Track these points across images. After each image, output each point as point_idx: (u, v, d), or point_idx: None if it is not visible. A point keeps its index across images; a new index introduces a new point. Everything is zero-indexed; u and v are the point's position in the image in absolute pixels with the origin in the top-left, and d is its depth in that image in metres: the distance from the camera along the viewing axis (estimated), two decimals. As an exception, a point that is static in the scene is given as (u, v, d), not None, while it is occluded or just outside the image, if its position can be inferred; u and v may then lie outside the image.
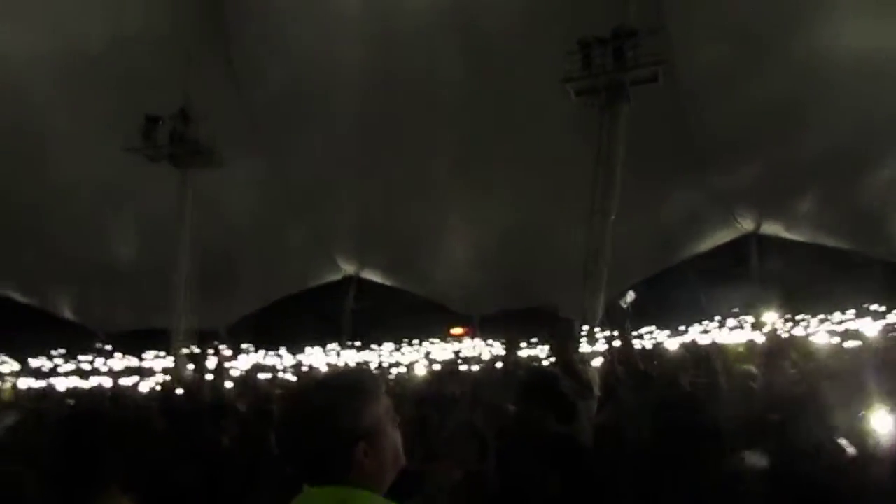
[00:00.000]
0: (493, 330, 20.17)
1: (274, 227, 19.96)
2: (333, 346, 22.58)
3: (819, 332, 15.56)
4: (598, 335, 11.80)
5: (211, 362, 7.01)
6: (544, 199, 17.30)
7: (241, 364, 19.73)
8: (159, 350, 19.41)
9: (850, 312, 17.84)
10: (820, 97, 14.26)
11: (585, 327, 13.23)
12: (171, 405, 6.12)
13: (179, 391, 7.41)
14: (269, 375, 15.12)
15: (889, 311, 17.54)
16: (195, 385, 6.53)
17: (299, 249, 21.57)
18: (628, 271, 17.91)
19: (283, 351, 22.02)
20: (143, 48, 15.45)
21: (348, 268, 22.98)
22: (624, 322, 4.85)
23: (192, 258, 16.23)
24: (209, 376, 6.62)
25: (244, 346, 21.96)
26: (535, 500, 2.76)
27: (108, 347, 23.39)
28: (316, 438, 1.44)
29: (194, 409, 5.20)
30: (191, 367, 16.27)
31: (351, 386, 1.51)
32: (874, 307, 17.65)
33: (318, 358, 21.50)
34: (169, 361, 17.35)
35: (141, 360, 20.99)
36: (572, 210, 14.76)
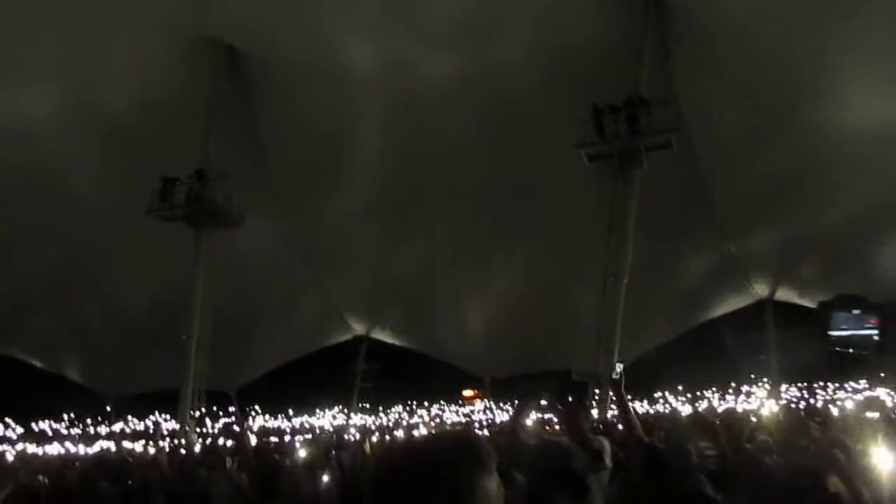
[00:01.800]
0: (505, 393, 19.87)
1: (287, 287, 20.03)
2: (340, 408, 22.30)
3: (836, 400, 15.19)
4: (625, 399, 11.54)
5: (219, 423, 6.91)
6: (558, 263, 17.32)
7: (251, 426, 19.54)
8: (166, 413, 19.22)
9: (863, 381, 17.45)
10: (832, 167, 14.35)
11: (598, 391, 13.03)
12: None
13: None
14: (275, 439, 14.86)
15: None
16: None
17: (311, 309, 21.56)
18: (641, 336, 17.72)
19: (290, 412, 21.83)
20: (163, 111, 15.85)
21: (359, 328, 22.87)
22: (619, 393, 4.73)
23: (204, 319, 16.17)
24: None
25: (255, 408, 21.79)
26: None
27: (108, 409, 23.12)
28: None
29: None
30: (197, 429, 16.18)
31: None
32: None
33: (326, 420, 21.22)
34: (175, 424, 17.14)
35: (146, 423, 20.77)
36: (586, 274, 14.73)
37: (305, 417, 21.85)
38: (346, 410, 22.65)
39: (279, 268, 19.40)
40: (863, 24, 10.78)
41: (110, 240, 17.71)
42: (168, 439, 15.56)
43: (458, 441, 1.28)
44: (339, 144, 16.98)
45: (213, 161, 16.13)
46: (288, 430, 18.95)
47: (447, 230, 17.44)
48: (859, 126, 13.31)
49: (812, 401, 18.59)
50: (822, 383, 19.17)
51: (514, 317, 18.92)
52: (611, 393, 4.96)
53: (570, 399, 4.47)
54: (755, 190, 15.78)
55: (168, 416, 18.76)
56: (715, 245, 17.90)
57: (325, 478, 5.05)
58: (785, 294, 19.56)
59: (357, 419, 21.76)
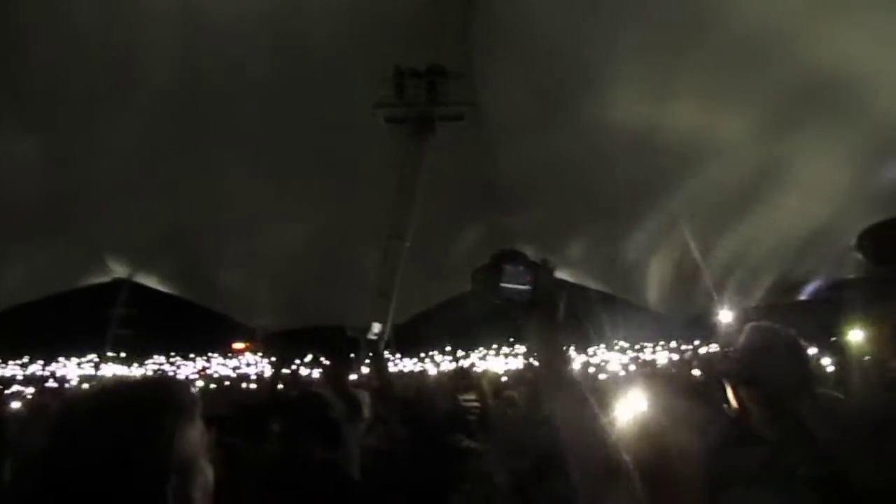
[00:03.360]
0: (278, 347, 19.52)
1: (39, 218, 17.38)
2: (92, 357, 20.17)
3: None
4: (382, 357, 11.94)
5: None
6: (342, 220, 17.27)
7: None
8: None
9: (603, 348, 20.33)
10: (596, 160, 16.00)
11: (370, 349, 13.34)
12: None
13: None
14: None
15: (631, 347, 20.35)
16: None
17: (65, 246, 18.98)
18: (417, 298, 18.47)
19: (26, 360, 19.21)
20: None
21: (121, 270, 20.69)
22: (378, 350, 4.98)
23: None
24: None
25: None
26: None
27: None
28: (106, 475, 1.00)
29: None
30: None
31: (161, 400, 1.11)
32: (622, 343, 20.47)
33: (70, 370, 19.04)
34: None
35: None
36: (369, 233, 14.90)
37: (44, 365, 19.38)
38: (98, 359, 20.55)
39: (32, 195, 16.75)
40: (636, 35, 12.04)
41: None
42: None
43: (156, 385, 1.22)
44: (116, 62, 14.97)
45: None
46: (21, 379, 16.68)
47: (229, 174, 16.37)
48: (623, 124, 14.96)
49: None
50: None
51: (292, 270, 18.54)
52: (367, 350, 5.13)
53: (336, 354, 4.50)
54: (530, 171, 17.10)
55: None
56: (491, 218, 19.16)
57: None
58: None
59: (110, 369, 19.87)
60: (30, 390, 14.44)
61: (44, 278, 19.96)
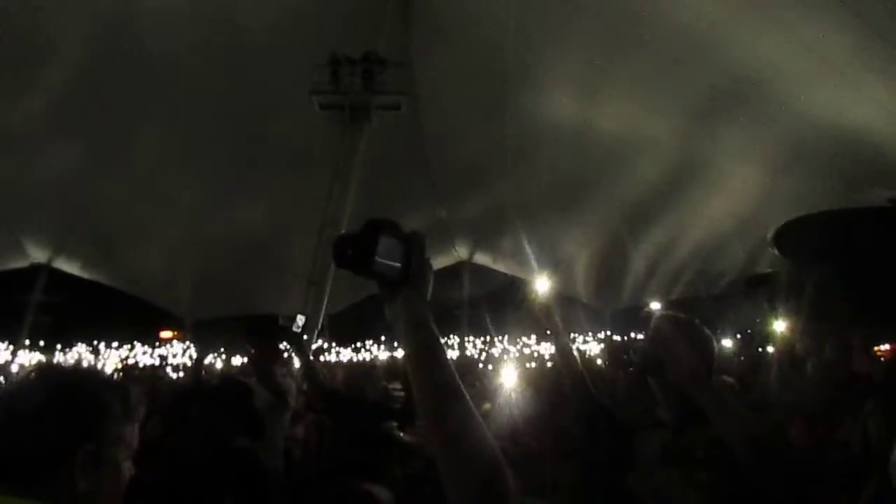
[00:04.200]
0: (206, 335, 19.06)
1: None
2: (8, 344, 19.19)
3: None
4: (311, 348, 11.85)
5: None
6: (276, 206, 16.99)
7: None
8: None
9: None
10: (531, 152, 16.29)
11: (305, 336, 13.17)
12: None
13: None
14: None
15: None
16: None
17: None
18: (352, 287, 18.38)
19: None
20: None
21: (39, 255, 19.68)
22: (300, 343, 5.02)
23: None
24: None
25: None
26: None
27: None
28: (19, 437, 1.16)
29: None
30: None
31: (75, 383, 1.27)
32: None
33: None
34: None
35: None
36: (303, 220, 14.72)
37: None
38: (13, 347, 19.53)
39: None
40: (572, 26, 12.25)
41: None
42: None
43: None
44: (35, 36, 14.15)
45: None
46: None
47: (154, 157, 15.81)
48: (556, 120, 15.26)
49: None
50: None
51: (223, 256, 18.12)
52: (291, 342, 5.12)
53: (263, 342, 4.47)
54: (467, 163, 17.27)
55: None
56: (428, 208, 19.24)
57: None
58: (482, 258, 22.11)
59: (26, 357, 18.95)
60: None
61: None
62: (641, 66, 11.90)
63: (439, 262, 22.44)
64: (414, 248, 1.43)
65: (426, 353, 1.26)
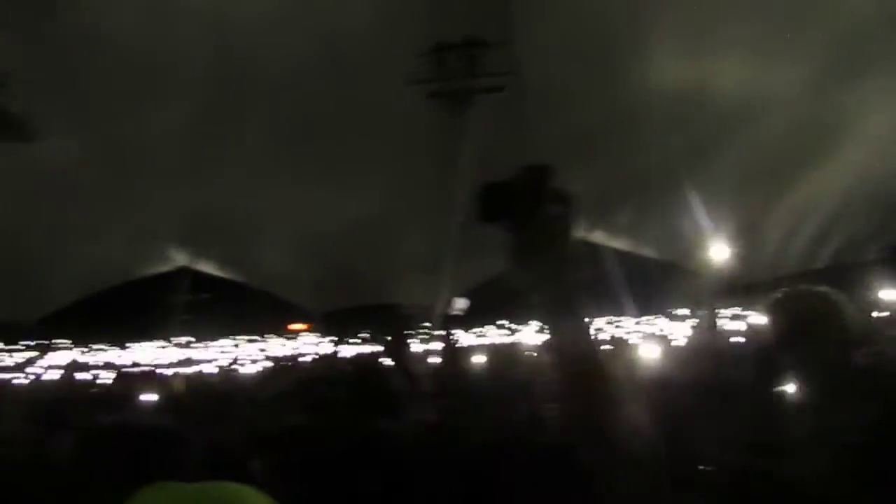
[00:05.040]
0: (334, 326, 19.92)
1: (96, 211, 18.19)
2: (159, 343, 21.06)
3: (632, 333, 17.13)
4: (436, 334, 12.06)
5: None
6: (391, 197, 17.40)
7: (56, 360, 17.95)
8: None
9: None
10: (645, 121, 15.59)
11: (428, 325, 13.48)
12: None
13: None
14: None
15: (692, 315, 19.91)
16: None
17: (126, 235, 19.83)
18: (467, 274, 18.51)
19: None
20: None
21: (181, 258, 21.50)
22: (453, 326, 5.04)
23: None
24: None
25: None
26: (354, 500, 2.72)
27: None
28: None
29: None
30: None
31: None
32: (680, 311, 20.03)
33: (144, 354, 19.97)
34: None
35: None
36: (418, 209, 14.98)
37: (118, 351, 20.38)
38: (164, 345, 21.44)
39: (87, 189, 17.52)
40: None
41: None
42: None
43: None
44: (162, 57, 15.39)
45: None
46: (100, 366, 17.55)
47: (274, 157, 16.68)
48: (669, 88, 14.54)
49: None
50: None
51: (345, 249, 18.85)
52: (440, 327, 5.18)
53: (395, 331, 4.58)
54: (577, 137, 16.80)
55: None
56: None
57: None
58: (597, 236, 21.36)
59: (176, 353, 20.70)
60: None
61: (109, 269, 20.93)
62: (759, 14, 11.03)
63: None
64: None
65: (573, 327, 1.18)
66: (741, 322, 14.51)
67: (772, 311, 2.42)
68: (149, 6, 14.37)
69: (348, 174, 17.21)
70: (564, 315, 1.19)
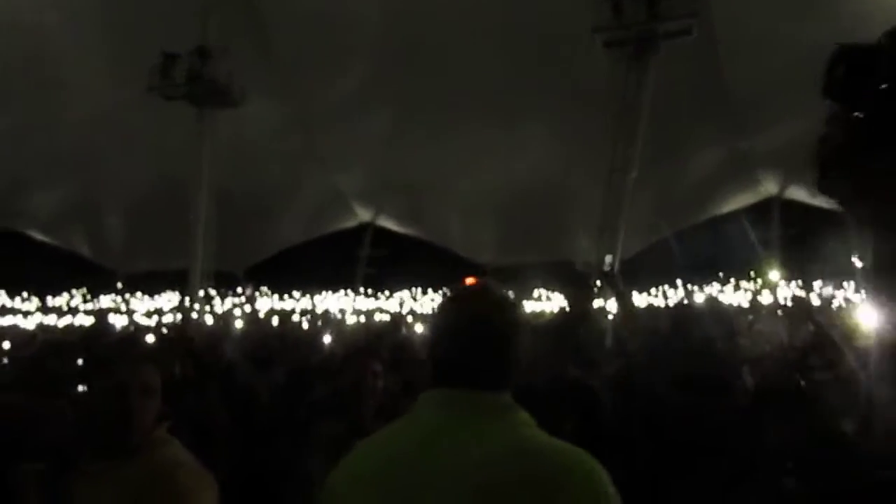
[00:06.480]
0: (505, 281, 20.25)
1: (292, 171, 19.93)
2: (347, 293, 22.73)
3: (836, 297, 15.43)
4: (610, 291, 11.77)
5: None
6: (565, 153, 17.08)
7: (259, 306, 20.11)
8: (176, 291, 19.72)
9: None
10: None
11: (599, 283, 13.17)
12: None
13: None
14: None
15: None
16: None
17: (317, 194, 21.58)
18: (644, 229, 17.78)
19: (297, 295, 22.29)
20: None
21: (364, 214, 23.01)
22: (616, 283, 4.83)
23: (210, 199, 16.23)
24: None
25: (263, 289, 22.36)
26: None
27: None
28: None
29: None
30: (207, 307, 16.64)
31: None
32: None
33: (332, 303, 21.71)
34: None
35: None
36: (593, 164, 14.54)
37: (309, 299, 22.36)
38: (349, 295, 23.13)
39: (284, 151, 19.22)
40: None
41: (114, 118, 17.50)
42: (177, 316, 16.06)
43: None
44: (343, 24, 16.26)
45: (213, 38, 15.64)
46: (297, 312, 19.39)
47: (449, 115, 17.01)
48: (877, 15, 12.56)
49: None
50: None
51: (518, 206, 18.92)
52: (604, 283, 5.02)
53: (574, 285, 4.55)
54: (774, 82, 15.19)
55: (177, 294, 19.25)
56: (726, 140, 17.56)
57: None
58: (795, 193, 19.31)
59: (360, 303, 22.25)
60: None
61: (302, 225, 22.96)
62: None
63: (741, 199, 20.41)
64: None
65: None
66: None
67: None
68: None
69: (524, 126, 17.15)
70: None
